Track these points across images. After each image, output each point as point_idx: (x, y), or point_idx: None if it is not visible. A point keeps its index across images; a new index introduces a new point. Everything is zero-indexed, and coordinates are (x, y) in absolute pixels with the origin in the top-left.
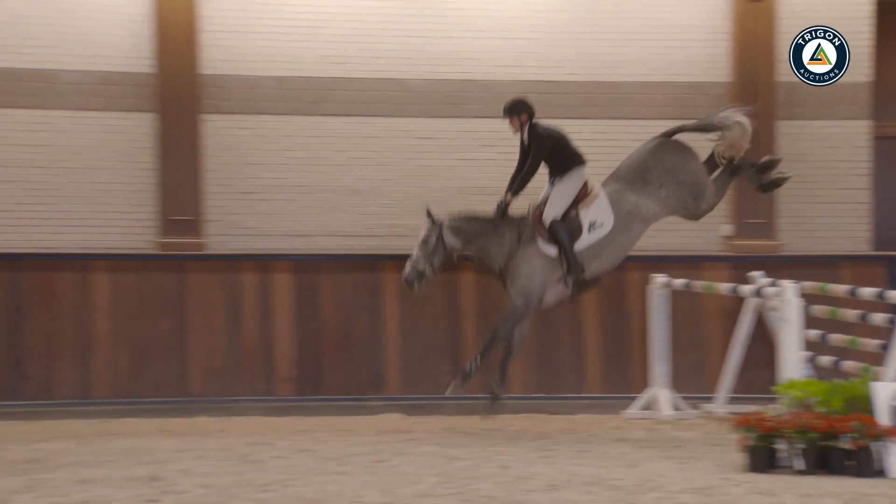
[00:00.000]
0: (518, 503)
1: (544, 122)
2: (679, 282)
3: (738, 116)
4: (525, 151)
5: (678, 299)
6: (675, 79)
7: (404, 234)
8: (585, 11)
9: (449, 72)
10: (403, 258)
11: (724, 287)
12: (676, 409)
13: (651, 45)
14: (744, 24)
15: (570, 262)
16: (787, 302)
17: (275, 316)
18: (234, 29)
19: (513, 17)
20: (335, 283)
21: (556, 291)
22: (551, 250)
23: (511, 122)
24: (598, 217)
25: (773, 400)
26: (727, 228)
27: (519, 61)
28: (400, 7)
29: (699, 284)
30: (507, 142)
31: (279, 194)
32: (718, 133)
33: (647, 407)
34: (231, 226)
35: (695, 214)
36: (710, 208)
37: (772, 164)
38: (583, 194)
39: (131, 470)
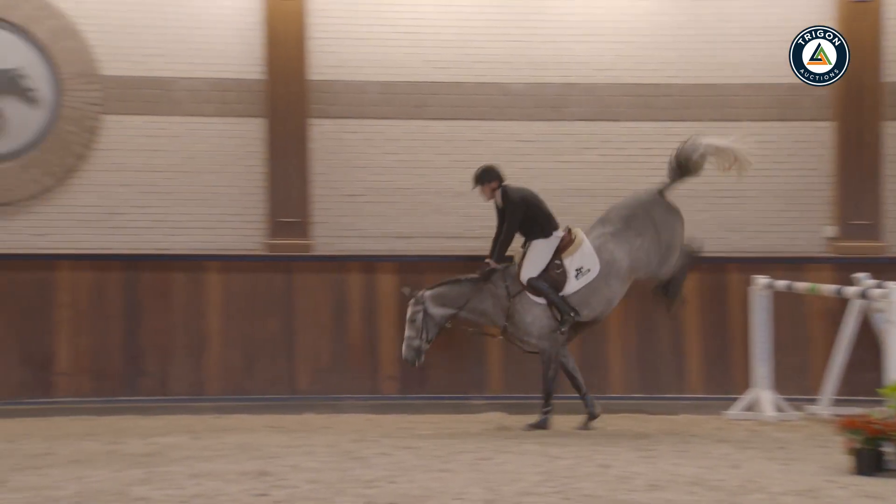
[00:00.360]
0: (620, 502)
1: (514, 184)
2: (781, 283)
3: (708, 141)
4: (502, 214)
5: (780, 300)
6: (778, 80)
7: None
8: (687, 14)
9: (550, 75)
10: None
11: (828, 289)
12: (779, 410)
13: (754, 47)
14: (849, 24)
15: (560, 310)
16: (893, 304)
17: (379, 316)
18: (341, 36)
19: (614, 21)
20: None
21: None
22: (541, 301)
23: (483, 191)
24: (584, 263)
25: (878, 402)
26: (831, 230)
27: (620, 64)
28: (502, 12)
29: (802, 286)
30: (608, 145)
31: (384, 197)
32: (714, 161)
33: (750, 408)
34: (337, 228)
35: (654, 275)
36: (666, 277)
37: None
38: (567, 242)
39: (242, 464)
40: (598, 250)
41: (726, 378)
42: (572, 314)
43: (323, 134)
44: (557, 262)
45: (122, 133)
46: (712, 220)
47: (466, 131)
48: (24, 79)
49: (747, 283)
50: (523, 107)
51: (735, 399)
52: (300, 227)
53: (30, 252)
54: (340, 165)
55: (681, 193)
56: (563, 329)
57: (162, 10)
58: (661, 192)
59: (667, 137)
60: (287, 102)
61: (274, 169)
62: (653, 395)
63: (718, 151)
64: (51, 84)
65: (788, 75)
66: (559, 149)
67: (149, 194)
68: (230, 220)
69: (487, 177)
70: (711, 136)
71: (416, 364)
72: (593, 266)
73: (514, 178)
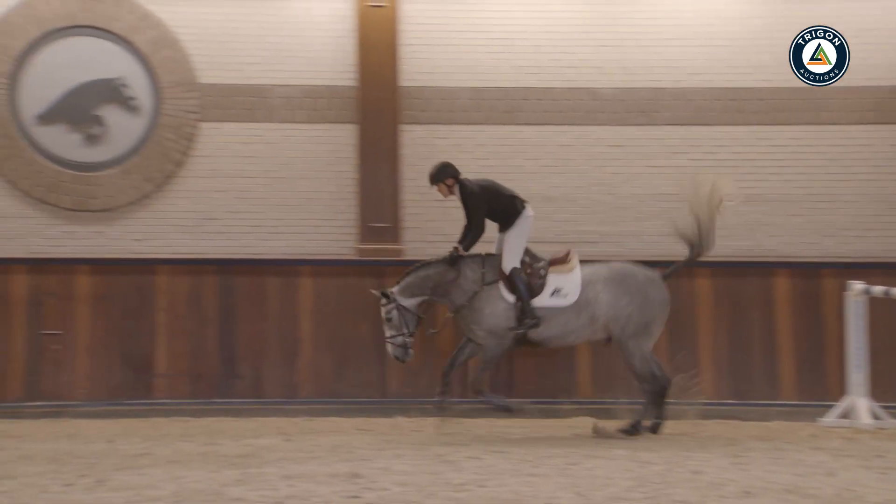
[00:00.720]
0: None
1: (472, 177)
2: (878, 289)
3: (705, 188)
4: (466, 207)
5: (877, 306)
6: (875, 83)
7: (595, 241)
8: (780, 17)
9: (640, 80)
10: (594, 262)
11: None
12: (876, 417)
13: (851, 49)
14: None
15: (525, 311)
16: None
17: None
18: (433, 43)
19: (705, 25)
20: None
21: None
22: (510, 297)
23: (439, 189)
24: (564, 285)
25: None
26: None
27: (711, 68)
28: (592, 17)
29: None
30: (698, 149)
31: None
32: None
33: (845, 415)
34: (427, 232)
35: (618, 340)
36: (625, 362)
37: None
38: (561, 260)
39: (334, 466)
40: (585, 284)
41: (821, 385)
42: (531, 322)
43: (414, 140)
44: (543, 272)
45: (218, 140)
46: (807, 225)
47: (556, 136)
48: (126, 88)
49: (842, 288)
50: (613, 111)
51: (830, 406)
52: (391, 232)
53: (129, 257)
54: None
55: (774, 197)
56: (517, 330)
57: (257, 19)
58: (664, 277)
59: (759, 142)
60: (378, 109)
61: (365, 174)
62: (745, 402)
63: (713, 194)
64: (150, 92)
65: (886, 77)
66: (649, 153)
67: (243, 200)
68: (322, 226)
69: (442, 174)
70: (702, 184)
71: (407, 360)
72: (571, 294)
73: (604, 182)
